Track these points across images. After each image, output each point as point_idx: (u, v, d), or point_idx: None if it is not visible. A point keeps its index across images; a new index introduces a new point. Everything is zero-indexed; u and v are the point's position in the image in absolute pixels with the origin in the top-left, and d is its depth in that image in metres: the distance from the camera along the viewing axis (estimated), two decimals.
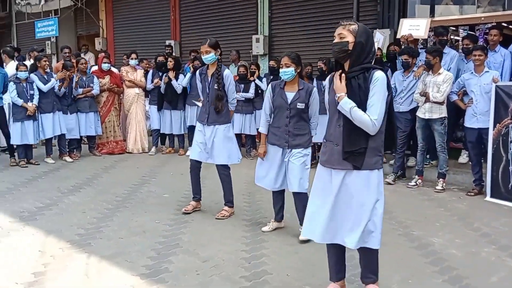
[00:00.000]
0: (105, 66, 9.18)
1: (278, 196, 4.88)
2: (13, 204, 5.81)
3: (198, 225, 5.07)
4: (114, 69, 9.64)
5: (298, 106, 4.50)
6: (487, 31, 7.05)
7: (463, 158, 7.34)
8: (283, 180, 4.70)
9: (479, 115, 6.27)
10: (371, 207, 3.11)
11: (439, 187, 6.53)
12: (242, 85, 8.66)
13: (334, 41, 3.10)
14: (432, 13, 7.52)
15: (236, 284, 3.67)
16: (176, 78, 8.88)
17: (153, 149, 9.33)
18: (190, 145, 7.10)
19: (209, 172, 6.35)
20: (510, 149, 5.97)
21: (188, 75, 8.92)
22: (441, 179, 6.58)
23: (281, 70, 4.54)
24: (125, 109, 9.45)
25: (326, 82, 3.41)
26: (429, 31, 7.28)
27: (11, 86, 7.88)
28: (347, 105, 3.03)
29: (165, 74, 8.92)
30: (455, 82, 6.56)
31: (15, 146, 8.15)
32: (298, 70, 4.53)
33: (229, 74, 5.30)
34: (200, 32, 11.59)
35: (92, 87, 8.83)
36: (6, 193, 6.34)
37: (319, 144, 7.28)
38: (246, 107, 8.71)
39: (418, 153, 6.83)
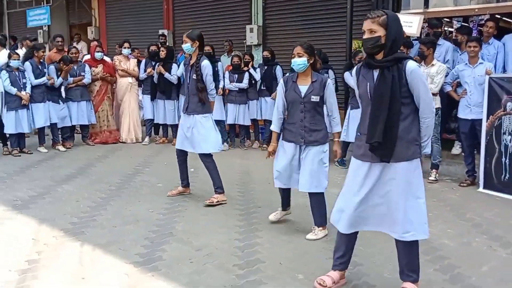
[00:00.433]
0: (98, 55, 9.12)
1: (285, 191, 4.71)
2: (6, 193, 5.79)
3: (192, 214, 5.08)
4: (107, 58, 9.58)
5: (312, 99, 4.24)
6: (481, 22, 7.06)
7: (456, 149, 7.39)
8: (296, 179, 4.43)
9: (473, 106, 6.29)
10: (415, 198, 3.10)
11: (432, 178, 6.56)
12: (236, 75, 8.62)
13: (364, 37, 3.01)
14: (426, 4, 7.51)
15: (230, 272, 3.68)
16: (169, 68, 8.83)
17: (147, 139, 9.31)
18: None
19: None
20: (503, 140, 6.01)
21: (182, 65, 8.87)
22: (434, 170, 6.61)
23: (292, 60, 4.27)
24: (118, 99, 9.41)
25: (353, 74, 3.29)
26: (422, 28, 7.27)
27: (4, 74, 7.80)
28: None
29: (157, 64, 8.87)
30: (449, 73, 6.58)
31: (7, 135, 8.10)
32: (311, 61, 4.27)
33: (207, 65, 5.30)
34: (193, 21, 11.48)
35: (84, 75, 8.77)
36: None
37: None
38: (240, 98, 8.67)
39: None
